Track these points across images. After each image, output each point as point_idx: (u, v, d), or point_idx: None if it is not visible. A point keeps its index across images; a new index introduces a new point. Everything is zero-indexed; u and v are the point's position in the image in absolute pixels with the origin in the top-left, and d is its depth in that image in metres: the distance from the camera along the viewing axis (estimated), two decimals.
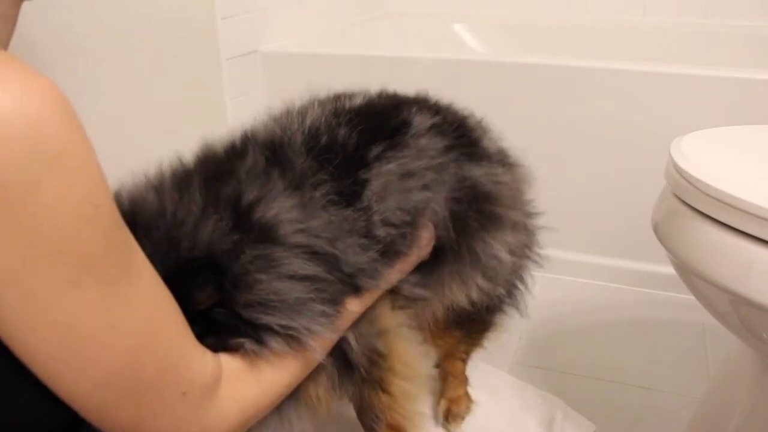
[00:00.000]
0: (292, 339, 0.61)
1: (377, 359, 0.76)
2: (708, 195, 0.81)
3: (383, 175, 0.73)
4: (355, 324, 0.72)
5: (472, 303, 0.89)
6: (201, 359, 0.53)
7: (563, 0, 2.17)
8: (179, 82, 1.47)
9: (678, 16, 2.05)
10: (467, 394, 1.15)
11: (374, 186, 0.72)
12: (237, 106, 1.69)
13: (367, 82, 1.70)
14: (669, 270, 0.98)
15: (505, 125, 1.61)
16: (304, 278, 0.62)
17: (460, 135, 0.86)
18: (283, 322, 0.60)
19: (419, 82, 1.65)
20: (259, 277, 0.60)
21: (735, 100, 1.40)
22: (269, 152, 0.72)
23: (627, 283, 1.63)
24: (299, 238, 0.63)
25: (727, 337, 0.97)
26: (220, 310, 0.60)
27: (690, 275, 0.89)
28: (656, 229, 0.95)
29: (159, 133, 1.43)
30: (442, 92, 1.63)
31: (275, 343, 0.61)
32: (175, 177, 0.68)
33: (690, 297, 0.97)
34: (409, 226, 0.74)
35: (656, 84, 1.46)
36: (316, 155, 0.72)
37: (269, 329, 0.60)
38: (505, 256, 0.87)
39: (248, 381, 0.58)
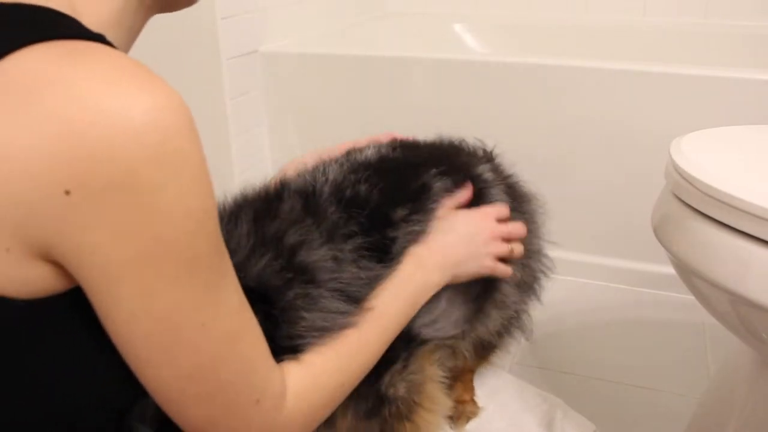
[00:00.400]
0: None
1: (408, 400, 0.82)
2: (708, 195, 0.81)
3: (411, 235, 0.78)
4: (393, 369, 0.78)
5: (490, 333, 0.95)
6: (274, 370, 0.57)
7: (563, 0, 2.17)
8: (179, 82, 1.47)
9: (678, 16, 2.05)
10: (473, 401, 1.15)
11: (402, 243, 0.77)
12: (237, 106, 1.69)
13: (367, 82, 1.71)
14: (669, 270, 0.98)
15: (505, 125, 1.61)
16: (335, 313, 0.68)
17: (477, 197, 0.89)
18: (313, 343, 0.66)
19: (419, 82, 1.66)
20: (303, 315, 0.66)
21: (735, 100, 1.40)
22: (303, 200, 0.77)
23: (627, 283, 1.63)
24: (335, 285, 0.70)
25: (727, 337, 0.97)
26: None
27: (690, 275, 0.89)
28: (656, 229, 0.95)
29: None
30: (442, 92, 1.64)
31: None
32: (226, 209, 0.74)
33: (690, 297, 0.97)
34: None
35: (656, 84, 1.46)
36: (344, 207, 0.76)
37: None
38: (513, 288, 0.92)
39: (312, 392, 0.62)
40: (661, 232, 0.94)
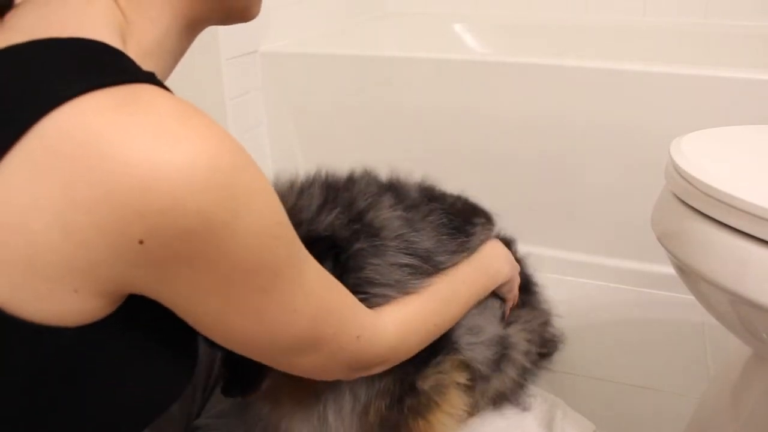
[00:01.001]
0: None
1: (431, 397, 0.90)
2: (708, 195, 0.81)
3: (486, 234, 0.93)
4: (431, 362, 0.88)
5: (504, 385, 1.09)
6: (363, 310, 0.66)
7: (563, 0, 2.17)
8: (179, 82, 1.47)
9: (678, 16, 2.05)
10: None
11: (480, 237, 0.91)
12: (237, 106, 1.69)
13: (367, 82, 1.70)
14: (669, 270, 0.98)
15: (505, 125, 1.61)
16: (403, 266, 0.77)
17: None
18: (385, 292, 0.75)
19: (419, 82, 1.66)
20: (370, 261, 0.75)
21: (735, 100, 1.40)
22: (386, 184, 0.89)
23: (627, 283, 1.63)
24: (402, 242, 0.79)
25: (727, 337, 0.97)
26: None
27: (690, 275, 0.89)
28: (656, 229, 0.95)
29: None
30: (442, 92, 1.64)
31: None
32: (296, 181, 0.83)
33: (690, 297, 0.97)
34: None
35: (656, 84, 1.46)
36: (428, 197, 0.89)
37: (374, 299, 0.74)
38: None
39: (409, 324, 0.73)
40: (661, 232, 0.94)
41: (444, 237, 0.85)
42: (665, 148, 0.95)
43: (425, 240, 0.82)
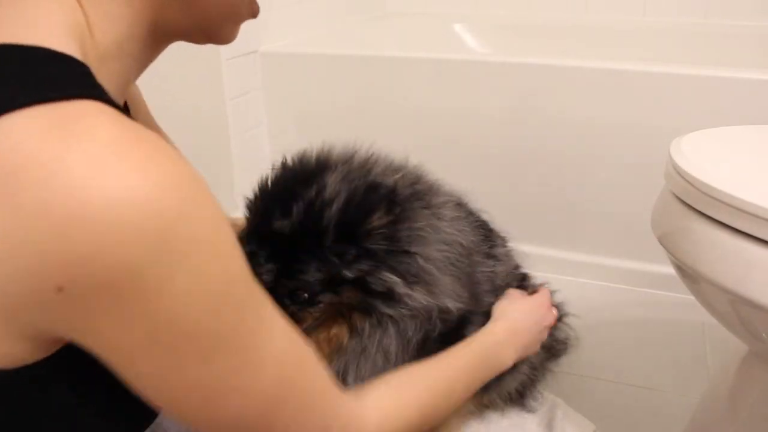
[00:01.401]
0: (426, 280, 0.77)
1: None
2: (707, 195, 0.81)
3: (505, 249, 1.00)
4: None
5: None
6: (337, 396, 0.55)
7: (563, 0, 2.17)
8: (179, 82, 1.47)
9: (678, 16, 2.05)
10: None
11: (501, 250, 0.98)
12: (237, 106, 1.69)
13: (367, 82, 1.70)
14: (669, 270, 0.98)
15: (505, 125, 1.61)
16: (454, 247, 0.81)
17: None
18: (428, 251, 0.77)
19: (419, 82, 1.66)
20: (423, 213, 0.78)
21: (735, 100, 1.40)
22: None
23: (627, 283, 1.63)
24: (450, 226, 0.83)
25: (727, 337, 0.97)
26: (382, 244, 0.75)
27: (690, 275, 0.89)
28: (656, 229, 0.95)
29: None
30: (442, 92, 1.64)
31: (413, 292, 0.76)
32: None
33: (690, 297, 0.97)
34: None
35: (656, 84, 1.46)
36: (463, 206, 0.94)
37: (415, 262, 0.76)
38: None
39: (394, 410, 0.63)
40: (661, 232, 0.94)
41: (478, 235, 0.91)
42: (665, 148, 0.95)
43: (470, 235, 0.86)
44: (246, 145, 1.75)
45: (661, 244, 0.93)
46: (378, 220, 0.76)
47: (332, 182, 0.80)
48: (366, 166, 0.83)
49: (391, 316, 0.79)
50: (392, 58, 1.68)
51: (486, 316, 1.00)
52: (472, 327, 0.99)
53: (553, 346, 1.29)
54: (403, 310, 0.79)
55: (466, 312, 0.95)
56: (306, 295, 0.80)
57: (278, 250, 0.80)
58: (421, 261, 0.79)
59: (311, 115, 1.77)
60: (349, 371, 0.84)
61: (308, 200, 0.80)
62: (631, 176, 1.53)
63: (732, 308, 0.85)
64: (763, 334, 0.85)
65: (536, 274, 1.37)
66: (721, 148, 0.95)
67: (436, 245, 0.81)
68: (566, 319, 1.36)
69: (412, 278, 0.77)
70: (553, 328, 1.29)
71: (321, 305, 0.80)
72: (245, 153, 1.75)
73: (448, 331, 0.92)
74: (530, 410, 1.18)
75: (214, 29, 0.57)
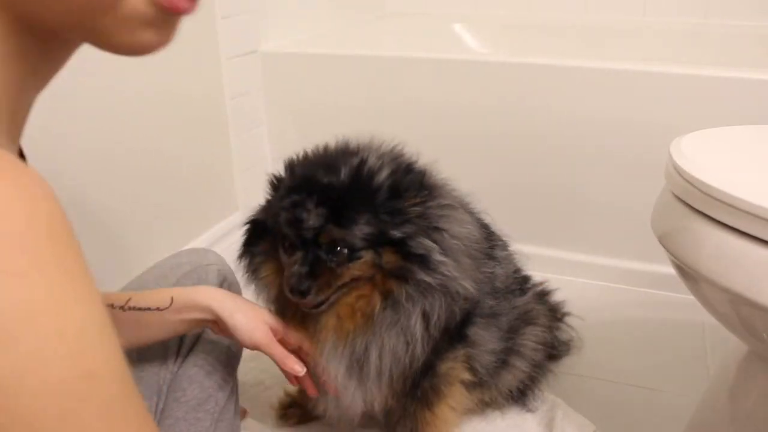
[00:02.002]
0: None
1: (440, 384, 0.98)
2: (707, 195, 0.81)
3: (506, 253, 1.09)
4: (438, 365, 0.96)
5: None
6: None
7: (563, 0, 2.17)
8: (179, 82, 1.47)
9: (678, 16, 2.05)
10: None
11: (502, 253, 1.07)
12: (237, 106, 1.69)
13: (367, 82, 1.70)
14: (669, 270, 0.98)
15: (505, 125, 1.61)
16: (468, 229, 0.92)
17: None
18: (454, 230, 0.87)
19: (419, 82, 1.66)
20: (447, 197, 0.89)
21: (735, 100, 1.40)
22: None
23: (627, 283, 1.63)
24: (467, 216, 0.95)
25: (727, 337, 0.97)
26: (416, 209, 0.85)
27: (689, 275, 0.89)
28: (656, 229, 0.95)
29: (159, 132, 1.43)
30: (442, 92, 1.63)
31: (447, 259, 0.85)
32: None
33: (690, 297, 0.97)
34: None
35: (656, 84, 1.46)
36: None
37: (444, 238, 0.85)
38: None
39: None
40: (661, 232, 0.94)
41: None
42: (665, 148, 0.95)
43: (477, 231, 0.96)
44: (246, 145, 1.75)
45: (661, 244, 0.93)
46: (414, 197, 0.85)
47: (372, 156, 0.88)
48: (393, 151, 0.92)
49: (422, 289, 0.84)
50: (392, 58, 1.68)
51: (485, 318, 1.02)
52: (473, 328, 1.00)
53: (555, 347, 1.30)
54: (437, 278, 0.84)
55: (469, 309, 0.96)
56: (346, 250, 0.83)
57: (329, 199, 0.84)
58: (447, 237, 0.86)
59: (311, 115, 1.77)
60: (373, 346, 0.88)
61: (355, 165, 0.87)
62: (631, 176, 1.53)
63: (732, 308, 0.85)
64: (763, 334, 0.85)
65: (536, 274, 1.37)
66: (721, 148, 0.95)
67: (458, 226, 0.89)
68: (568, 320, 1.37)
69: (444, 250, 0.85)
70: (556, 330, 1.30)
71: (360, 261, 0.84)
72: (245, 153, 1.75)
73: (451, 328, 0.94)
74: (530, 410, 1.19)
75: (90, 26, 0.40)
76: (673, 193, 0.89)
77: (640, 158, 1.50)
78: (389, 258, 0.85)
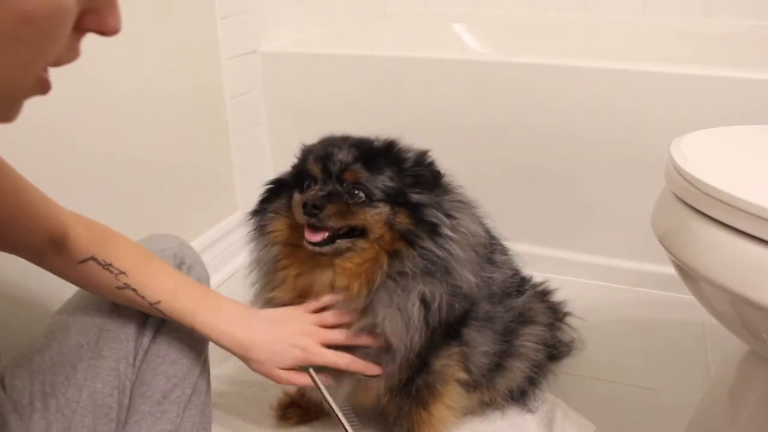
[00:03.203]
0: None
1: (435, 383, 0.99)
2: (708, 195, 0.81)
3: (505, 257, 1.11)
4: (432, 362, 0.97)
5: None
6: None
7: (563, 0, 2.17)
8: (179, 82, 1.47)
9: (678, 16, 2.05)
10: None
11: (501, 258, 1.09)
12: (237, 106, 1.69)
13: (367, 82, 1.70)
14: (669, 270, 0.98)
15: (505, 125, 1.61)
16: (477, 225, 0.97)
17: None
18: (465, 221, 0.92)
19: (419, 82, 1.66)
20: (464, 195, 0.97)
21: (735, 100, 1.40)
22: None
23: (627, 283, 1.63)
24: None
25: (727, 337, 0.97)
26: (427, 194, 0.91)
27: (690, 275, 0.89)
28: (656, 229, 0.95)
29: (159, 132, 1.43)
30: (442, 92, 1.63)
31: (455, 234, 0.89)
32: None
33: (690, 297, 0.97)
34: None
35: (656, 84, 1.46)
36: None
37: (456, 223, 0.90)
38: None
39: None
40: (661, 232, 0.94)
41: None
42: (665, 148, 0.95)
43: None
44: (246, 145, 1.75)
45: (662, 244, 0.93)
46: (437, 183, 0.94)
47: (402, 143, 0.98)
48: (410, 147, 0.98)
49: (426, 261, 0.87)
50: (392, 58, 1.68)
51: (480, 321, 1.01)
52: (467, 329, 0.99)
53: (556, 348, 1.30)
54: (442, 252, 0.87)
55: (468, 309, 0.97)
56: (364, 196, 0.88)
57: (361, 148, 0.93)
58: (458, 225, 0.91)
59: (311, 115, 1.77)
60: (370, 318, 0.90)
61: (387, 140, 0.98)
62: (632, 176, 1.53)
63: (732, 308, 0.85)
64: (764, 334, 0.85)
65: (537, 274, 1.37)
66: (721, 147, 0.95)
67: (469, 221, 0.93)
68: (569, 320, 1.37)
69: (454, 230, 0.89)
70: (557, 330, 1.31)
71: (374, 211, 0.89)
72: (245, 153, 1.75)
73: (449, 325, 0.94)
74: (531, 410, 1.19)
75: None
76: (673, 193, 0.89)
77: (640, 158, 1.50)
78: (402, 219, 0.89)
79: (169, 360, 0.88)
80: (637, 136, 1.49)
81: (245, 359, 0.89)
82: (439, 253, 0.88)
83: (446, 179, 0.97)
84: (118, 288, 0.84)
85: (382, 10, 2.39)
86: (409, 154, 0.95)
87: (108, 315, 0.86)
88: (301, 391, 1.18)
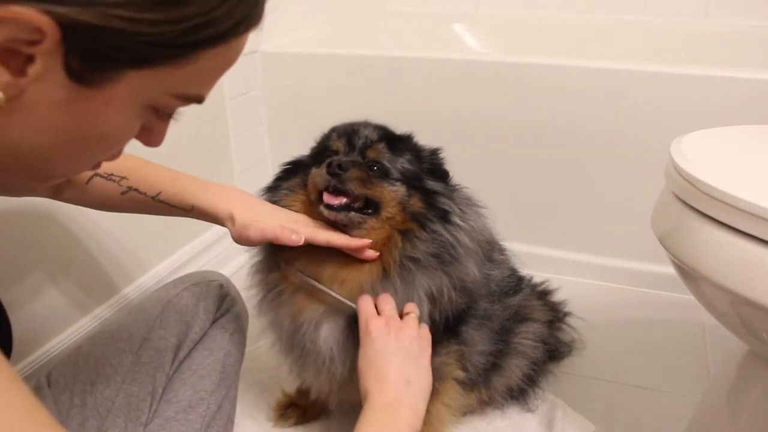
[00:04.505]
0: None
1: (432, 384, 0.95)
2: (708, 195, 0.81)
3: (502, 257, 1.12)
4: (436, 354, 0.94)
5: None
6: None
7: (563, 0, 2.17)
8: None
9: (678, 16, 2.05)
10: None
11: (499, 257, 1.09)
12: (237, 106, 1.69)
13: (367, 82, 1.70)
14: (669, 270, 0.98)
15: (505, 125, 1.61)
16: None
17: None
18: (474, 216, 0.95)
19: (419, 82, 1.66)
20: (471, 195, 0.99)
21: (735, 100, 1.40)
22: None
23: (627, 283, 1.63)
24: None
25: (727, 337, 0.97)
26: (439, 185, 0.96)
27: (690, 275, 0.89)
28: (656, 229, 0.95)
29: None
30: (442, 92, 1.63)
31: (464, 224, 0.92)
32: None
33: (690, 297, 0.97)
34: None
35: (656, 84, 1.46)
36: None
37: (463, 214, 0.93)
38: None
39: None
40: (661, 232, 0.94)
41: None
42: (665, 148, 0.95)
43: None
44: (246, 145, 1.75)
45: (662, 244, 0.93)
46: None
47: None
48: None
49: (435, 245, 0.89)
50: (392, 58, 1.68)
51: (478, 319, 1.02)
52: (466, 327, 1.00)
53: (557, 348, 1.30)
54: (451, 237, 0.90)
55: (465, 307, 0.97)
56: (382, 172, 0.93)
57: (384, 130, 0.98)
58: (466, 217, 0.94)
59: (311, 115, 1.77)
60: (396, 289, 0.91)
61: (405, 134, 1.02)
62: (632, 176, 1.53)
63: (732, 308, 0.85)
64: (764, 334, 0.85)
65: (537, 274, 1.37)
66: (721, 148, 0.95)
67: (477, 218, 0.96)
68: (569, 321, 1.37)
69: (463, 219, 0.93)
70: (557, 330, 1.31)
71: (392, 188, 0.92)
72: (245, 153, 1.75)
73: (449, 322, 0.94)
74: (530, 410, 1.19)
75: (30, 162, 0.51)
76: (673, 193, 0.89)
77: (641, 158, 1.50)
78: (415, 202, 0.93)
79: (198, 374, 0.92)
80: (637, 136, 1.49)
81: (241, 235, 0.89)
82: (449, 238, 0.90)
83: (451, 179, 1.01)
84: (122, 193, 0.90)
85: (382, 10, 2.38)
86: (426, 147, 1.01)
87: (152, 328, 0.92)
88: (301, 392, 1.18)
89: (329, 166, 0.89)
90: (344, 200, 0.90)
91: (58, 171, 0.55)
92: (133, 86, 0.48)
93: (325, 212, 0.90)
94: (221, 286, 1.02)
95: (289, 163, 1.04)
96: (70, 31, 0.43)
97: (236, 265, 1.69)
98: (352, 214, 0.90)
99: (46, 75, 0.44)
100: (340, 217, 0.90)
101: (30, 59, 0.44)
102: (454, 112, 1.64)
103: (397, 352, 0.83)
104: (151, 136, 0.57)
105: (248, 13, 0.51)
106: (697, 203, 0.83)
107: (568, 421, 1.17)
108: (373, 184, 0.91)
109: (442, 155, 1.01)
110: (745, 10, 1.97)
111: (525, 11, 2.23)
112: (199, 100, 0.55)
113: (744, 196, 0.76)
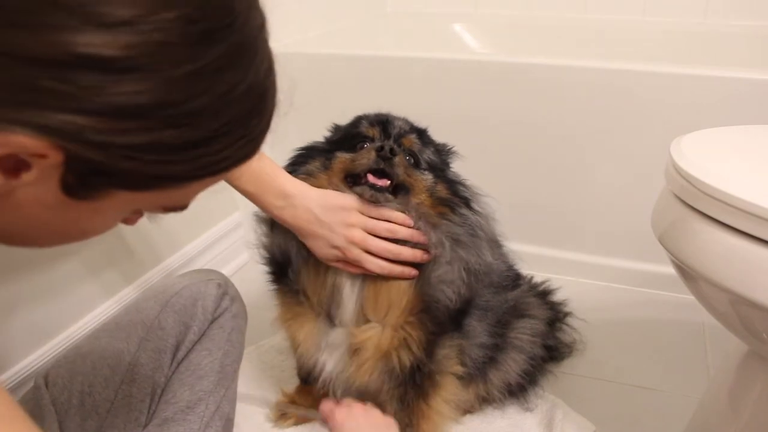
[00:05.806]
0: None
1: (434, 376, 1.02)
2: (708, 195, 0.81)
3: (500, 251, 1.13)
4: (436, 350, 1.00)
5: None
6: None
7: (563, 0, 2.17)
8: None
9: (678, 16, 2.05)
10: None
11: (498, 251, 1.10)
12: None
13: (367, 82, 1.70)
14: (669, 270, 0.98)
15: (505, 125, 1.61)
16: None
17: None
18: (482, 206, 1.01)
19: (419, 82, 1.66)
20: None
21: (735, 100, 1.40)
22: None
23: (627, 283, 1.63)
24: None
25: (727, 337, 0.97)
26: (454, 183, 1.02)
27: (690, 275, 0.89)
28: (656, 229, 0.95)
29: None
30: (442, 92, 1.63)
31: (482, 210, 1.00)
32: None
33: (690, 297, 0.97)
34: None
35: (656, 84, 1.46)
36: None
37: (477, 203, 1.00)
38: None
39: None
40: (661, 232, 0.93)
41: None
42: (665, 148, 0.95)
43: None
44: None
45: (661, 243, 0.93)
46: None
47: None
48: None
49: (462, 226, 0.95)
50: (392, 58, 1.68)
51: (480, 310, 1.03)
52: (469, 318, 1.01)
53: (557, 349, 1.31)
54: (476, 219, 0.97)
55: (468, 300, 0.97)
56: (390, 149, 0.94)
57: (411, 123, 1.05)
58: (481, 206, 1.01)
59: (311, 115, 1.76)
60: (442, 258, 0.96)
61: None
62: (632, 176, 1.53)
63: (732, 308, 0.85)
64: (764, 334, 0.85)
65: (537, 274, 1.37)
66: (720, 148, 0.95)
67: (487, 209, 1.02)
68: (570, 321, 1.37)
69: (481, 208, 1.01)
70: (558, 331, 1.31)
71: (422, 176, 0.98)
72: None
73: (451, 314, 0.96)
74: (530, 408, 1.19)
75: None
76: (673, 193, 0.89)
77: (640, 158, 1.50)
78: (441, 189, 1.00)
79: (197, 374, 0.92)
80: (637, 136, 1.49)
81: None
82: (475, 220, 0.98)
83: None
84: None
85: (382, 10, 2.39)
86: (439, 142, 1.08)
87: (150, 328, 0.92)
88: (300, 392, 1.18)
89: (380, 149, 0.93)
90: (387, 182, 0.94)
91: (45, 246, 0.58)
92: (124, 201, 0.49)
93: (368, 193, 0.95)
94: (220, 285, 1.02)
95: (303, 149, 1.09)
96: (74, 161, 0.43)
97: (236, 265, 1.69)
98: (389, 195, 0.96)
99: (39, 182, 0.44)
100: (385, 196, 0.95)
101: (27, 165, 0.43)
102: (453, 112, 1.64)
103: (370, 427, 0.87)
104: (128, 221, 0.59)
105: (253, 150, 0.56)
106: (697, 203, 0.83)
107: (568, 421, 1.17)
108: (411, 171, 0.97)
109: (452, 150, 1.10)
110: (745, 10, 1.97)
111: (525, 11, 2.23)
112: (184, 208, 0.59)
113: (744, 196, 0.76)
